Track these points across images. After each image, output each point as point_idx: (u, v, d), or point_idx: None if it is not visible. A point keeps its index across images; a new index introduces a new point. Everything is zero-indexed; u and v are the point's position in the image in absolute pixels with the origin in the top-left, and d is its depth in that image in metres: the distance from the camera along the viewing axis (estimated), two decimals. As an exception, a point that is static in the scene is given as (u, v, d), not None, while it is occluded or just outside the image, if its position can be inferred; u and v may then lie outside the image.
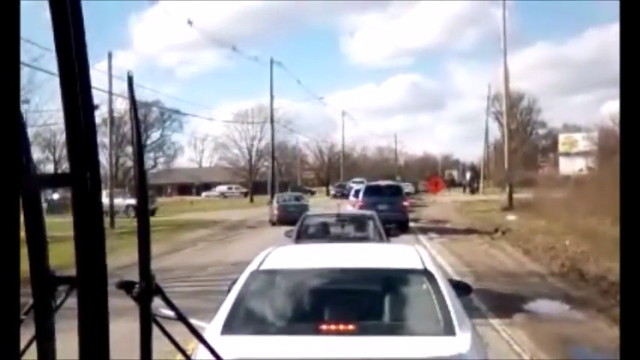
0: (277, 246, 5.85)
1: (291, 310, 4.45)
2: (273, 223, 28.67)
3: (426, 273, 4.47)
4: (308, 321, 4.29)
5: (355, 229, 12.18)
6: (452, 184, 77.47)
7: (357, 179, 64.33)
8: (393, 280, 4.63)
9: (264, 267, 4.75)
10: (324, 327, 4.08)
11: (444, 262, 15.25)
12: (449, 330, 3.85)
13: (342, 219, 12.77)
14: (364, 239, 10.96)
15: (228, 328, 3.99)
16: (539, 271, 13.96)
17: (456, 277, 12.85)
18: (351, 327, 4.02)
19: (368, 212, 13.84)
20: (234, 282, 4.76)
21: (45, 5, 1.21)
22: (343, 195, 47.94)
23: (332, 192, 61.30)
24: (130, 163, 60.60)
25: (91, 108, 1.27)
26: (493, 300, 10.66)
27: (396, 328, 4.16)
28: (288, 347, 3.81)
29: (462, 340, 3.74)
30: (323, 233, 11.83)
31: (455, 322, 3.89)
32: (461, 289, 5.34)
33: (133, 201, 36.57)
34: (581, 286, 11.72)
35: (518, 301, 10.60)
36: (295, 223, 12.62)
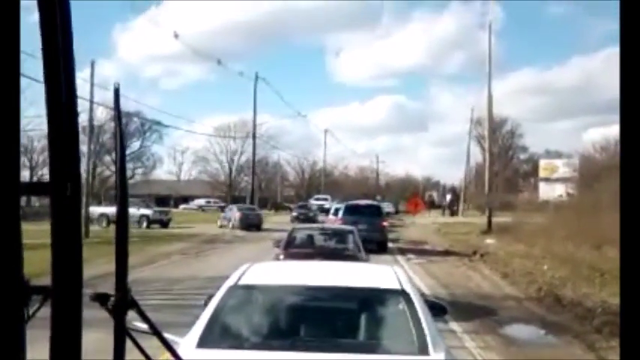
0: (254, 262, 5.74)
1: (267, 326, 4.47)
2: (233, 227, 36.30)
3: (402, 293, 4.51)
4: (284, 337, 4.34)
5: (336, 241, 13.31)
6: (432, 205, 77.54)
7: (321, 196, 63.79)
8: (369, 299, 4.64)
9: (242, 282, 4.75)
10: (299, 343, 4.16)
11: (421, 284, 15.06)
12: (423, 350, 3.91)
13: (325, 232, 14.45)
14: (344, 250, 12.38)
15: (204, 341, 4.01)
16: (516, 294, 13.83)
17: (432, 299, 12.74)
18: (326, 344, 4.14)
19: (348, 227, 15.25)
20: (210, 296, 4.75)
21: (29, 9, 1.21)
22: (308, 219, 41.33)
23: (293, 214, 46.51)
24: (107, 172, 60.11)
25: (75, 118, 1.26)
26: (469, 323, 10.49)
27: (371, 346, 4.20)
28: None
29: (436, 357, 3.83)
30: (308, 244, 13.10)
31: (429, 343, 3.95)
32: (437, 309, 5.39)
33: (106, 210, 36.30)
34: (557, 311, 11.59)
35: (494, 324, 10.44)
36: (250, 227, 23.35)
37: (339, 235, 13.78)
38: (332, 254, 11.35)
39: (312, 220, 40.15)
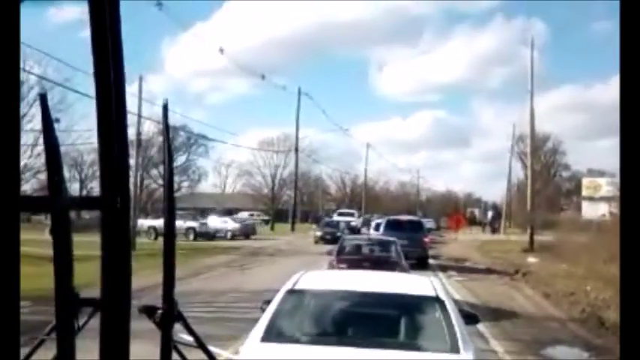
0: (307, 270, 6.56)
1: (319, 325, 5.19)
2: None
3: (437, 300, 5.16)
4: (334, 334, 5.04)
5: (381, 250, 15.41)
6: (473, 222, 76.86)
7: (346, 210, 57.77)
8: (408, 305, 5.32)
9: (297, 287, 5.45)
10: (347, 340, 4.86)
11: (461, 301, 15.21)
12: (454, 349, 4.53)
13: (371, 242, 17.13)
14: (388, 257, 14.24)
15: (267, 337, 4.71)
16: (559, 315, 13.87)
17: (467, 310, 12.88)
18: (370, 341, 4.77)
19: (391, 238, 17.46)
20: (266, 301, 5.54)
21: (78, 25, 1.32)
22: (335, 240, 28.43)
23: (317, 233, 40.42)
24: (154, 185, 61.25)
25: (124, 134, 1.29)
26: (511, 343, 10.62)
27: (410, 344, 4.87)
28: (314, 355, 4.48)
29: (465, 356, 4.43)
30: (356, 252, 15.19)
31: (460, 343, 4.57)
32: (470, 318, 6.03)
33: (154, 222, 37.19)
34: (601, 334, 11.62)
35: (537, 345, 10.56)
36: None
37: (383, 245, 15.88)
38: (377, 261, 13.02)
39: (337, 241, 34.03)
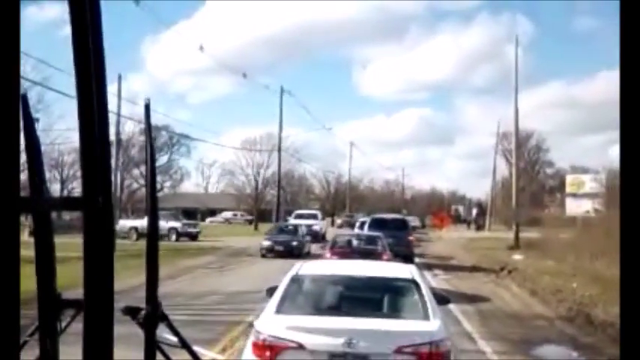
0: (306, 261, 8.55)
1: (319, 301, 6.50)
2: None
3: (413, 282, 6.49)
4: (332, 308, 6.33)
5: (368, 243, 17.99)
6: (458, 219, 76.99)
7: (306, 212, 47.16)
8: (390, 285, 6.64)
9: (299, 273, 6.79)
10: (342, 311, 6.21)
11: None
12: (426, 317, 5.90)
13: (360, 237, 20.05)
14: (374, 250, 16.55)
15: (279, 310, 6.05)
16: (547, 314, 13.60)
17: (460, 316, 12.59)
18: (360, 312, 6.14)
19: (377, 233, 20.19)
20: (271, 288, 6.96)
21: (60, 24, 1.25)
22: (289, 252, 26.52)
23: (265, 243, 28.55)
24: (135, 185, 60.67)
25: (106, 134, 1.28)
26: (499, 343, 10.33)
27: (391, 314, 6.22)
28: (318, 322, 5.82)
29: (433, 324, 5.79)
30: (347, 245, 18.01)
31: (430, 313, 5.93)
32: (442, 300, 7.28)
33: (135, 223, 36.62)
34: (589, 332, 11.36)
35: (526, 345, 10.27)
36: None
37: (370, 239, 18.65)
38: (365, 253, 14.91)
39: (294, 254, 25.75)
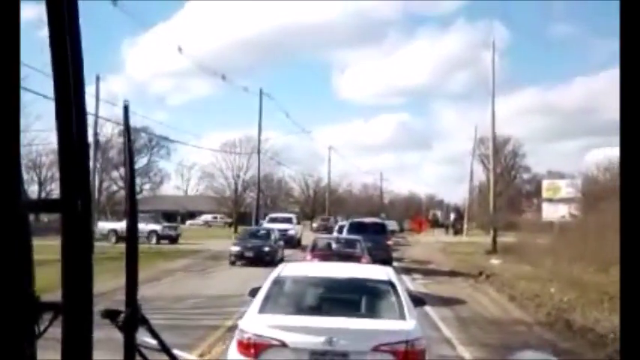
0: (288, 263, 9.09)
1: (300, 301, 6.75)
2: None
3: (390, 283, 6.73)
4: (312, 308, 6.58)
5: (347, 246, 18.14)
6: (435, 224, 77.32)
7: (280, 215, 43.51)
8: (368, 286, 6.88)
9: (282, 274, 7.05)
10: (322, 311, 6.44)
11: (426, 306, 14.89)
12: (402, 316, 6.15)
13: (339, 240, 19.98)
14: (353, 252, 16.71)
15: (262, 309, 6.28)
16: (525, 319, 13.65)
17: (439, 322, 12.58)
18: (339, 312, 6.38)
19: (356, 236, 20.25)
20: (254, 289, 7.21)
21: (38, 25, 1.21)
22: (260, 258, 24.69)
23: (234, 249, 26.18)
24: (114, 187, 60.10)
25: (84, 135, 1.26)
26: (479, 349, 10.33)
27: (369, 313, 6.44)
28: (300, 322, 6.06)
29: (409, 323, 6.04)
30: (327, 248, 18.09)
31: (406, 313, 6.19)
32: (418, 301, 7.56)
33: (115, 225, 36.14)
34: (568, 337, 11.41)
35: (505, 351, 10.26)
36: None
37: (350, 242, 18.97)
38: (344, 256, 15.02)
39: (266, 261, 23.44)
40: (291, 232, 36.79)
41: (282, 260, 22.81)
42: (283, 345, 5.82)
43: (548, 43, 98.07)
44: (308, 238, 35.21)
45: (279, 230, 32.69)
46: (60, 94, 1.22)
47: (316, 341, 5.77)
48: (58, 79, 1.22)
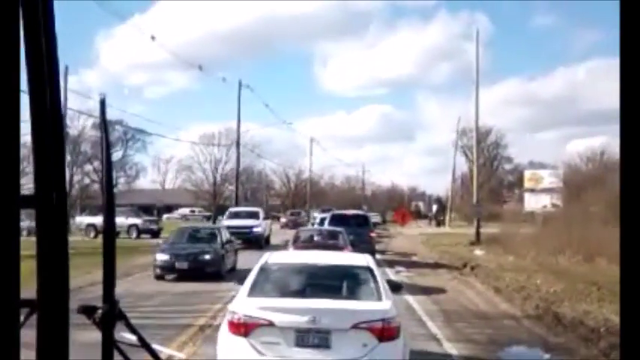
0: (274, 252, 9.26)
1: (286, 285, 7.22)
2: None
3: (368, 269, 7.31)
4: (297, 291, 7.04)
5: (330, 238, 18.21)
6: (418, 215, 77.17)
7: (243, 209, 36.57)
8: (348, 272, 7.42)
9: (268, 262, 7.56)
10: (307, 294, 6.91)
11: (411, 299, 14.39)
12: (379, 298, 6.68)
13: (322, 232, 20.07)
14: (336, 244, 16.86)
15: (252, 293, 6.79)
16: (513, 312, 13.12)
17: (425, 317, 12.06)
18: (322, 294, 6.86)
19: (338, 228, 20.23)
20: (241, 278, 7.96)
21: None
22: (198, 269, 18.06)
23: (160, 258, 18.53)
24: (86, 180, 59.11)
25: (60, 129, 1.25)
26: (467, 345, 9.79)
27: (349, 295, 7.00)
28: (286, 303, 6.58)
29: (385, 304, 6.57)
30: (310, 240, 18.16)
31: (382, 294, 6.76)
32: (395, 287, 8.18)
33: (94, 220, 35.25)
34: (558, 332, 10.86)
35: (494, 347, 9.75)
36: None
37: (332, 234, 18.93)
38: (327, 247, 15.25)
39: (208, 273, 17.88)
40: (258, 230, 30.89)
41: (233, 270, 19.28)
42: (271, 324, 6.30)
43: (530, 34, 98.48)
44: (277, 236, 33.81)
45: (243, 228, 29.32)
46: (34, 88, 1.20)
47: (301, 320, 6.25)
48: (32, 72, 1.20)
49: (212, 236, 20.61)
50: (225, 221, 31.01)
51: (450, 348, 9.61)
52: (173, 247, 18.99)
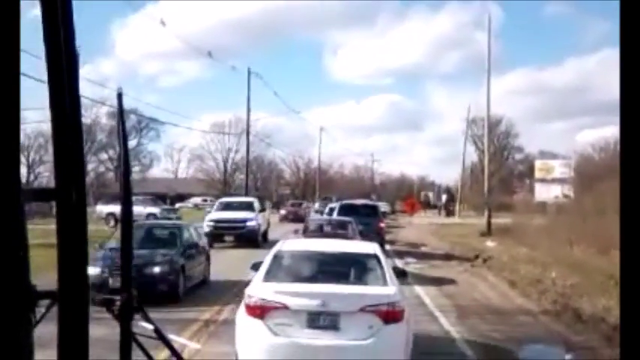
0: (287, 239, 10.53)
1: (299, 271, 7.67)
2: None
3: (375, 256, 7.77)
4: (309, 277, 7.48)
5: (339, 228, 18.22)
6: (427, 205, 76.59)
7: (235, 199, 31.53)
8: (357, 259, 7.89)
9: (282, 249, 8.05)
10: (318, 279, 7.33)
11: (422, 293, 13.94)
12: (385, 284, 7.16)
13: (331, 222, 20.19)
14: (345, 234, 16.67)
15: (266, 278, 7.24)
16: (530, 307, 12.66)
17: (437, 312, 11.61)
18: (332, 279, 7.34)
19: (348, 218, 20.03)
20: (256, 263, 8.32)
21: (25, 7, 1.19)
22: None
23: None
24: (101, 169, 59.12)
25: (79, 124, 1.27)
26: (483, 345, 9.33)
27: (357, 281, 7.48)
28: (298, 288, 7.05)
29: (391, 289, 7.05)
30: (319, 230, 18.29)
31: (388, 280, 7.23)
32: (401, 274, 8.65)
33: (114, 209, 34.70)
34: (579, 329, 10.41)
35: (512, 345, 9.27)
36: None
37: (341, 224, 18.90)
38: (336, 237, 14.59)
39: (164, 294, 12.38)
40: (252, 224, 25.87)
41: (204, 283, 14.78)
42: (285, 307, 6.78)
43: (541, 23, 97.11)
44: (276, 230, 29.93)
45: (235, 221, 25.52)
46: (53, 82, 1.21)
47: (312, 304, 6.72)
48: (52, 66, 1.20)
49: (170, 238, 14.41)
50: (214, 214, 27.02)
51: (465, 348, 9.17)
52: (109, 256, 12.30)
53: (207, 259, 15.71)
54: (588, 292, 13.56)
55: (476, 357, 8.71)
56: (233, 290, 12.37)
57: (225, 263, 17.32)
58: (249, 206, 27.55)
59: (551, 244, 24.65)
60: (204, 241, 17.25)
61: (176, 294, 12.70)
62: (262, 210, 28.93)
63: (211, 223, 25.88)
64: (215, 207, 29.14)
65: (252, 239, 25.07)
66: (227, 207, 27.88)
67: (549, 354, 8.94)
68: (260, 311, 6.80)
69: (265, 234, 27.90)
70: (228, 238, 25.92)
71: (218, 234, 25.56)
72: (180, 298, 12.71)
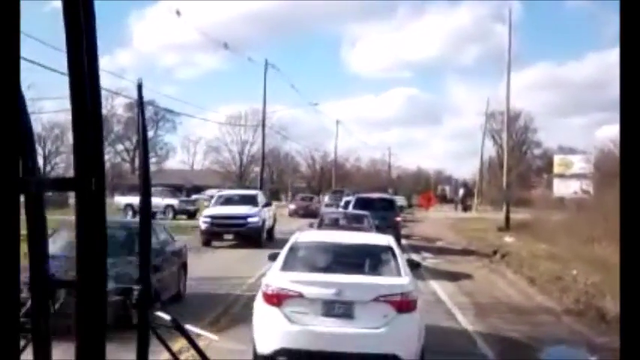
0: (303, 230, 11.15)
1: (316, 261, 7.83)
2: None
3: (390, 248, 7.94)
4: (325, 267, 7.67)
5: (355, 222, 18.06)
6: (444, 200, 76.04)
7: (236, 192, 29.24)
8: (372, 250, 8.04)
9: (299, 240, 8.27)
10: (333, 270, 7.53)
11: (438, 290, 13.62)
12: (398, 274, 7.41)
13: (346, 215, 19.93)
14: (360, 227, 16.52)
15: (284, 268, 7.51)
16: (551, 306, 12.30)
17: (454, 310, 11.30)
18: (348, 270, 7.51)
19: (364, 212, 19.77)
20: (273, 254, 8.56)
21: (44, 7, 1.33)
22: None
23: None
24: (117, 159, 59.27)
25: (99, 116, 1.28)
26: (504, 346, 8.99)
27: (372, 271, 7.64)
28: (314, 277, 7.28)
29: (404, 279, 7.32)
30: (334, 223, 18.19)
31: (402, 271, 7.47)
32: (414, 265, 8.99)
33: (133, 200, 34.52)
34: (604, 330, 10.04)
35: (535, 346, 8.94)
36: None
37: (357, 218, 18.75)
38: (351, 230, 14.77)
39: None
40: (254, 221, 22.81)
41: (178, 298, 11.54)
42: (301, 296, 6.98)
43: (561, 17, 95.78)
44: (283, 227, 26.64)
45: (235, 218, 22.62)
46: (74, 74, 1.22)
47: (328, 293, 6.92)
48: (73, 59, 1.20)
49: (127, 242, 10.09)
50: (211, 209, 24.12)
51: (485, 348, 8.85)
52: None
53: (183, 267, 12.55)
54: (612, 291, 13.14)
55: (498, 358, 8.38)
56: (217, 310, 10.42)
57: (215, 269, 15.38)
58: (251, 200, 24.66)
59: (570, 241, 24.16)
60: (178, 245, 13.18)
61: (128, 321, 6.89)
62: (268, 204, 26.23)
63: (207, 220, 22.73)
64: (213, 201, 26.09)
65: (255, 238, 22.30)
66: (227, 201, 24.99)
67: (574, 356, 8.62)
68: (277, 299, 7.01)
69: (271, 231, 25.13)
70: (228, 237, 22.70)
71: (215, 232, 22.51)
72: (133, 324, 7.92)
